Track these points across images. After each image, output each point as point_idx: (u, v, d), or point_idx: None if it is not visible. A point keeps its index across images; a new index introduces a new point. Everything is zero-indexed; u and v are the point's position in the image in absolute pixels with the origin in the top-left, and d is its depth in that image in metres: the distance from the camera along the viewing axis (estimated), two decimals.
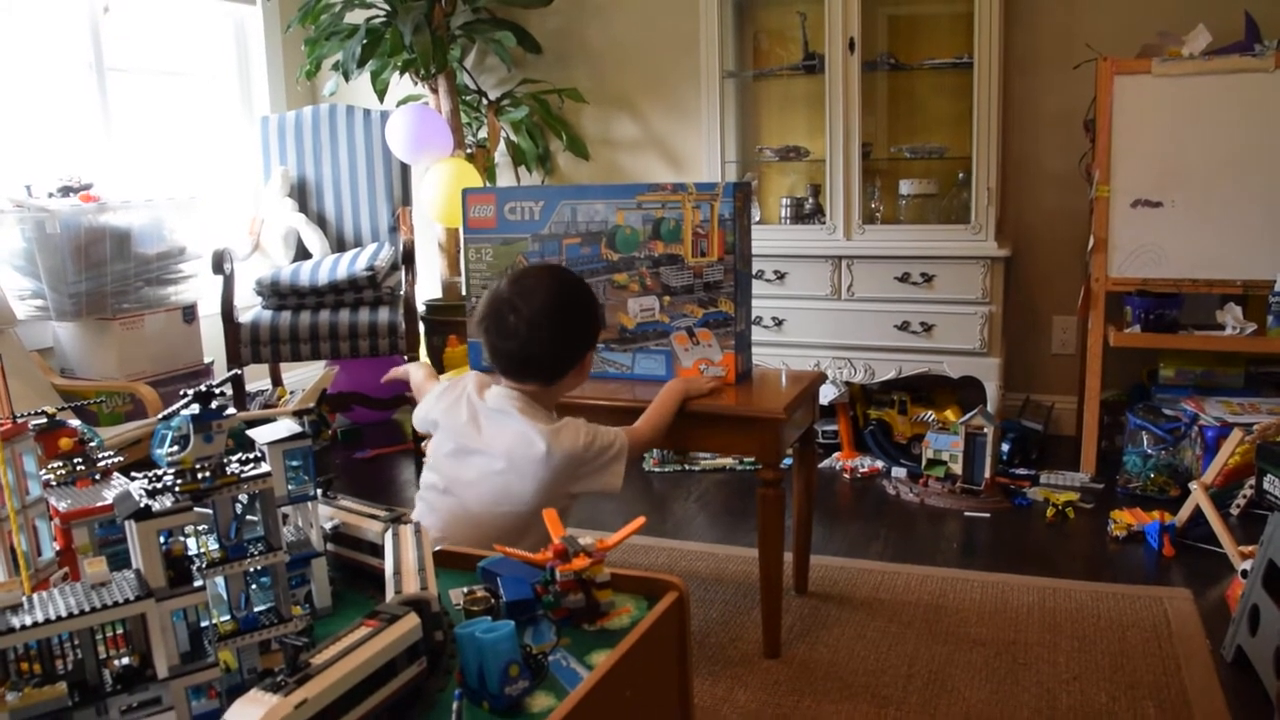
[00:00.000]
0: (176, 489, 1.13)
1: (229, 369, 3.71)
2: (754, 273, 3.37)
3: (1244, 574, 2.46)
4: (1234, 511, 3.10)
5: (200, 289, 3.79)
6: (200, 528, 1.17)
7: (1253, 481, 3.08)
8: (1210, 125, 3.30)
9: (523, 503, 1.95)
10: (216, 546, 1.15)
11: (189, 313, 3.72)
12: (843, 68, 3.63)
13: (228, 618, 1.15)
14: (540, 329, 1.95)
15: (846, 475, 3.68)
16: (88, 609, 1.06)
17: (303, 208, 4.21)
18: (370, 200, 4.19)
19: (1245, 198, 3.29)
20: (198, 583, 1.12)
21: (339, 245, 4.19)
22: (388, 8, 4.23)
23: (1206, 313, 3.47)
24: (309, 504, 1.43)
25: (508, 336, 1.97)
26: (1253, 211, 3.29)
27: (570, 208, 2.49)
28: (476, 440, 2.00)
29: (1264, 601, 2.18)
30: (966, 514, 3.28)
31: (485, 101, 4.50)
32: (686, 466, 3.79)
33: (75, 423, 1.50)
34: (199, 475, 1.15)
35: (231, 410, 1.20)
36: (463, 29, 4.32)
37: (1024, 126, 3.94)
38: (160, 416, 1.38)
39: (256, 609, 1.17)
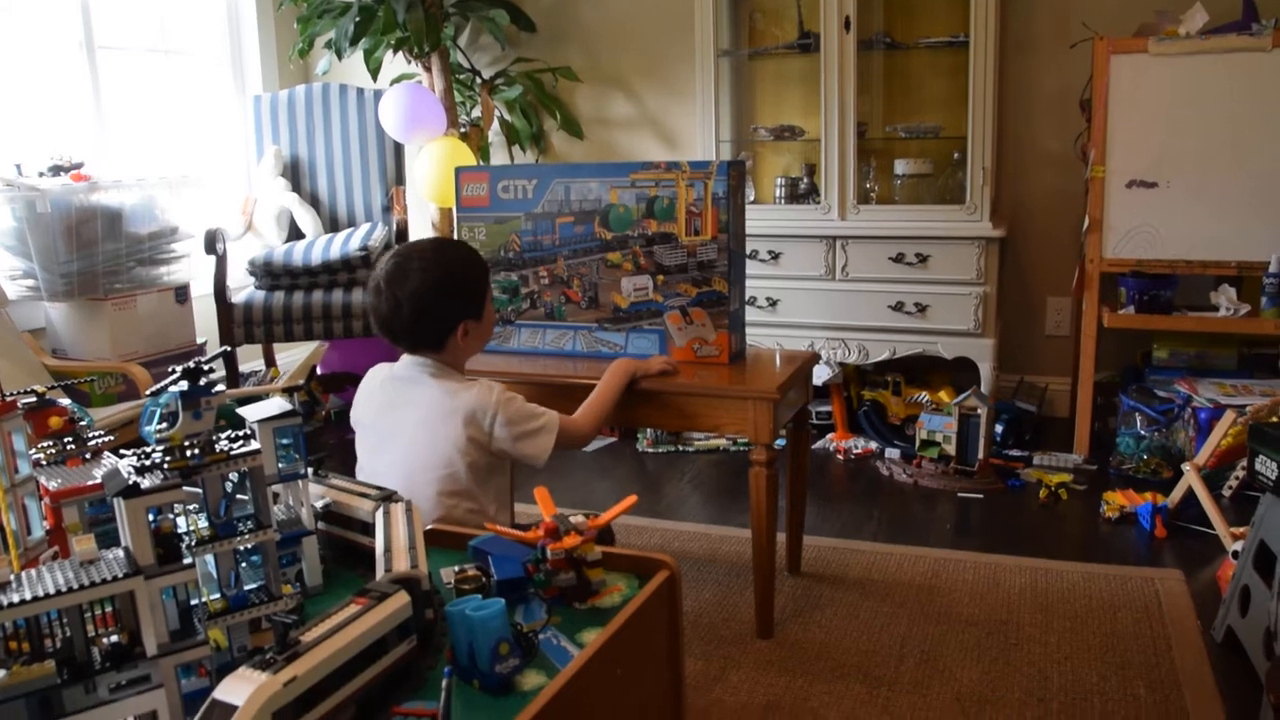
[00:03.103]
0: (165, 466, 1.13)
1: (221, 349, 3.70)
2: (748, 252, 3.36)
3: (1235, 555, 2.47)
4: (1226, 493, 3.10)
5: (193, 269, 3.77)
6: (190, 506, 1.17)
7: (1245, 463, 3.07)
8: (1207, 105, 3.28)
9: (449, 465, 1.95)
10: (206, 524, 1.14)
11: (181, 293, 3.70)
12: (838, 46, 3.61)
13: (217, 596, 1.14)
14: (404, 303, 1.97)
15: (840, 456, 3.69)
16: (76, 586, 1.06)
17: (295, 187, 4.19)
18: (363, 180, 4.17)
19: (1241, 178, 3.28)
20: (187, 560, 1.12)
21: (332, 225, 4.17)
22: None
23: (1201, 294, 3.47)
24: (299, 482, 1.43)
25: (380, 306, 2.00)
26: (1248, 192, 3.28)
27: (564, 186, 2.48)
28: (391, 418, 2.03)
29: (1254, 582, 2.19)
30: (960, 495, 3.28)
31: (479, 80, 4.47)
32: (680, 447, 3.79)
33: (65, 401, 1.49)
34: (188, 452, 1.14)
35: (221, 387, 1.20)
36: (456, 7, 4.29)
37: (1020, 106, 3.92)
38: (149, 393, 1.38)
39: (246, 587, 1.16)
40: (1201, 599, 2.53)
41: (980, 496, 3.26)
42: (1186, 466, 2.99)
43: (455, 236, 2.71)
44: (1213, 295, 3.40)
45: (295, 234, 4.15)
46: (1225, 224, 3.31)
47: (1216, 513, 2.83)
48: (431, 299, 1.97)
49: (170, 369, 1.16)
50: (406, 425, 1.99)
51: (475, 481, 1.97)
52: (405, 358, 2.07)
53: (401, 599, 1.16)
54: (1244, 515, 2.86)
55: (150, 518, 1.10)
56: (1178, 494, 2.99)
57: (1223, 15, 3.35)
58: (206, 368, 1.16)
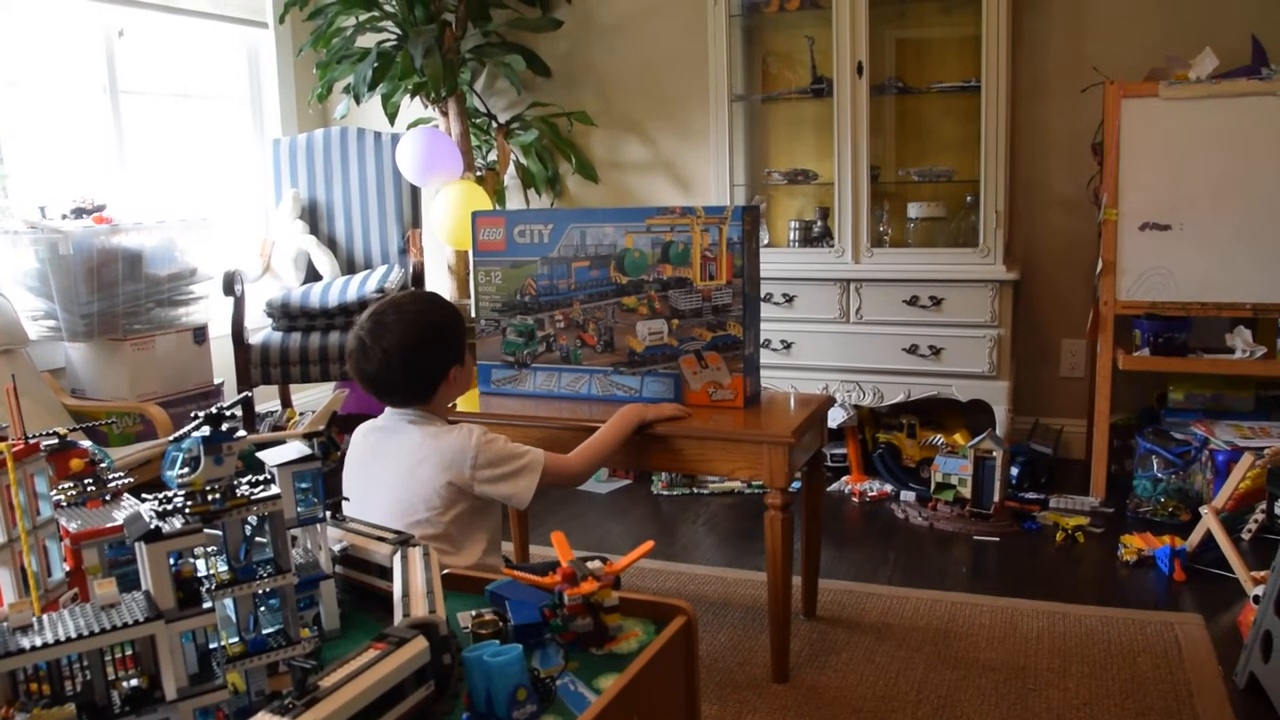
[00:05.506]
0: (186, 511, 1.14)
1: (239, 390, 3.73)
2: (762, 296, 3.37)
3: (1256, 599, 2.44)
4: (1245, 536, 3.08)
5: (211, 310, 3.81)
6: (210, 549, 1.18)
7: (1264, 506, 3.06)
8: (1218, 148, 3.30)
9: (429, 508, 1.95)
10: (226, 568, 1.15)
11: (200, 334, 3.73)
12: (851, 91, 3.65)
13: (236, 639, 1.15)
14: (393, 357, 1.96)
15: (855, 499, 3.67)
16: (97, 630, 1.06)
17: (313, 230, 4.24)
18: (380, 222, 4.21)
19: (1254, 220, 3.28)
20: (207, 604, 1.12)
21: (349, 267, 4.21)
22: (399, 31, 4.26)
23: (1216, 336, 3.46)
24: (318, 526, 1.44)
25: (367, 364, 1.99)
26: (1262, 234, 3.28)
27: (579, 231, 2.50)
28: (374, 468, 2.02)
29: (1276, 627, 2.17)
30: (975, 538, 3.26)
31: (495, 124, 4.53)
32: (695, 490, 3.78)
33: (86, 443, 1.51)
34: (209, 497, 1.15)
35: (242, 432, 1.21)
36: (473, 52, 4.36)
37: (1032, 150, 3.94)
38: (172, 438, 1.39)
39: (265, 631, 1.17)
40: (1222, 644, 2.50)
41: (996, 540, 3.24)
42: (1204, 509, 2.97)
43: (471, 280, 2.73)
44: (1228, 337, 3.39)
45: (313, 276, 4.18)
46: (1239, 266, 3.31)
47: (1236, 556, 2.80)
48: (419, 349, 1.98)
49: (193, 414, 1.18)
50: (389, 473, 2.00)
51: (457, 526, 1.97)
52: (388, 409, 2.08)
53: (419, 644, 1.17)
54: (1263, 559, 2.84)
55: (171, 562, 1.11)
56: (1196, 537, 2.97)
57: (1232, 60, 3.37)
58: (228, 414, 1.18)
